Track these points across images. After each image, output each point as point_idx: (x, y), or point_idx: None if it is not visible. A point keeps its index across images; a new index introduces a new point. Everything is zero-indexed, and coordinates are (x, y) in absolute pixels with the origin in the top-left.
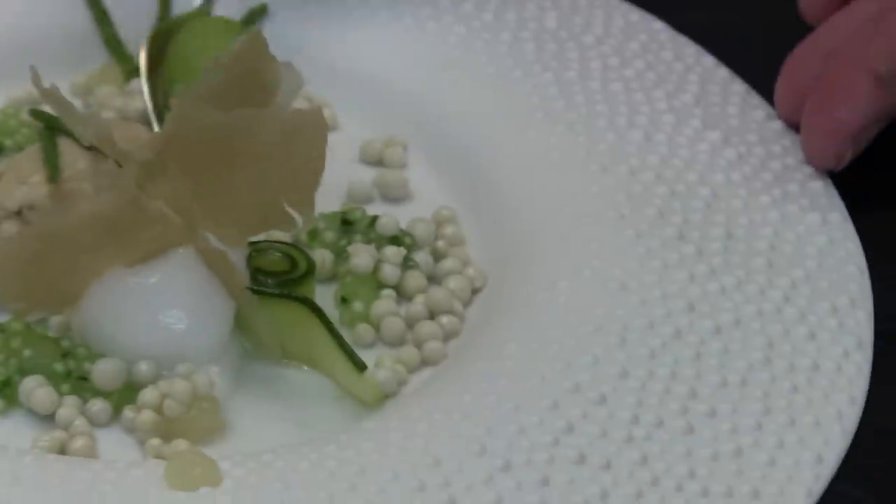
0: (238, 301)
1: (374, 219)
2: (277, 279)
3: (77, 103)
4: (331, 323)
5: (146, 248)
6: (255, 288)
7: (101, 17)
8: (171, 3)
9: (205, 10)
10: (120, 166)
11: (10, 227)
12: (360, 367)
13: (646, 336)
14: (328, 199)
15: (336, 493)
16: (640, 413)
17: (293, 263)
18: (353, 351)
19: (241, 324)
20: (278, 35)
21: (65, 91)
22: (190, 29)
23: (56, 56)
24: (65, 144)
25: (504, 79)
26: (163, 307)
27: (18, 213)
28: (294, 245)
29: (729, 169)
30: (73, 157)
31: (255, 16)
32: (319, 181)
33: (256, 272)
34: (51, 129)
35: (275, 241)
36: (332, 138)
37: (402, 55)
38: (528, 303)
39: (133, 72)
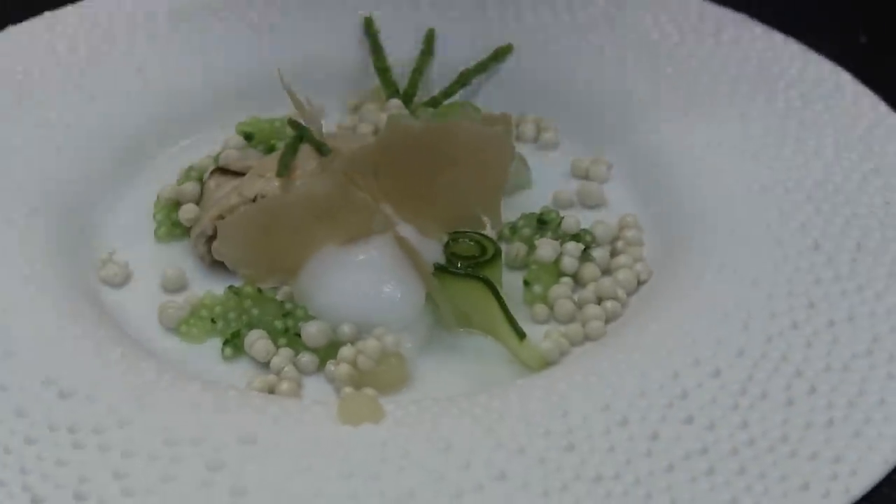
0: (424, 281)
1: (562, 219)
2: (468, 262)
3: (349, 117)
4: (502, 298)
5: (352, 232)
6: (442, 267)
7: (376, 50)
8: (433, 42)
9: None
10: None
11: None
12: (521, 335)
13: (766, 324)
14: (536, 203)
15: (474, 435)
16: (748, 386)
17: (483, 249)
18: (516, 322)
19: (430, 298)
20: (523, 69)
21: (340, 105)
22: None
23: (341, 78)
24: (305, 150)
25: (696, 115)
26: (366, 281)
27: (254, 201)
28: (484, 235)
29: (874, 194)
30: (307, 160)
31: (502, 53)
32: (502, 191)
33: (452, 255)
34: (298, 135)
35: (469, 231)
36: (551, 155)
37: (619, 93)
38: (678, 293)
39: (394, 94)
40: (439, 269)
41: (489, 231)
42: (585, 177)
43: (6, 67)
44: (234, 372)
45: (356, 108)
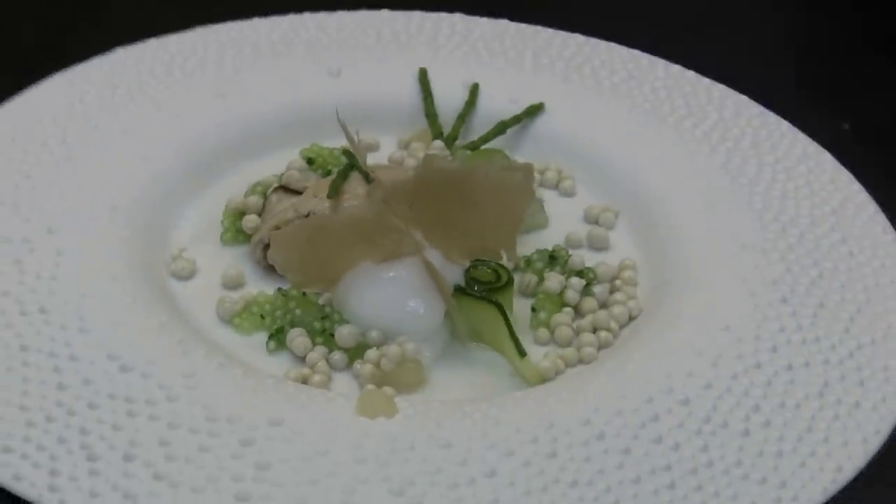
0: (444, 300)
1: (570, 257)
2: (484, 286)
3: (399, 152)
4: (509, 320)
5: (386, 252)
6: (461, 288)
7: (427, 97)
8: (477, 95)
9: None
10: None
11: None
12: (521, 353)
13: (733, 363)
14: (551, 241)
15: (472, 436)
16: (712, 415)
17: (498, 276)
18: (519, 342)
19: (448, 314)
20: (552, 124)
21: (392, 142)
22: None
23: (396, 118)
24: (355, 177)
25: (694, 178)
26: (394, 295)
27: (306, 217)
28: (500, 264)
29: (839, 260)
30: (356, 186)
31: (535, 109)
32: (519, 229)
33: (471, 279)
34: (349, 164)
35: (488, 260)
36: (568, 200)
37: (631, 153)
38: (660, 330)
39: (438, 135)
40: (458, 291)
41: (505, 262)
42: (595, 222)
43: (110, 83)
44: (274, 363)
45: (406, 145)
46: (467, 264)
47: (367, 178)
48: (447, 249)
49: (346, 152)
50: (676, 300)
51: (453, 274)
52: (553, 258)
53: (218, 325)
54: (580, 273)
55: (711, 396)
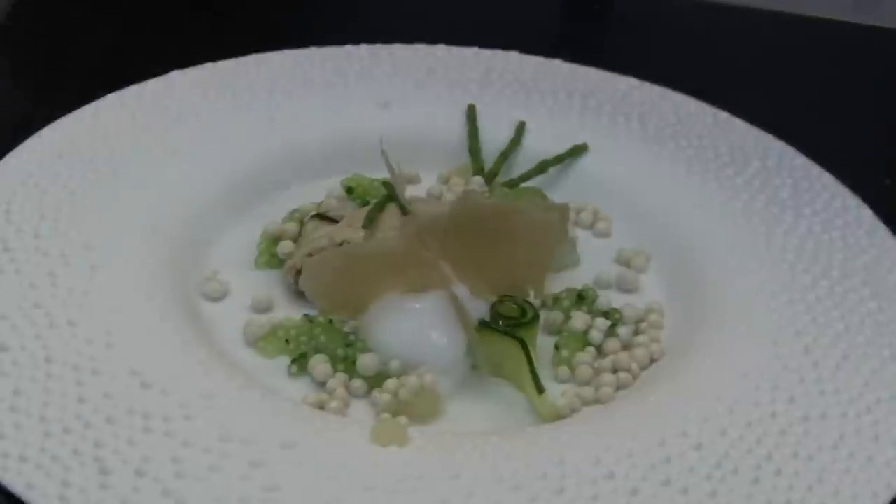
0: (466, 333)
1: (598, 297)
2: (509, 321)
3: (439, 186)
4: (530, 357)
5: (414, 284)
6: (485, 323)
7: (472, 133)
8: (523, 133)
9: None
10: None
11: None
12: (540, 390)
13: (749, 411)
14: (581, 280)
15: (481, 469)
16: (723, 461)
17: (524, 313)
18: (538, 378)
19: (471, 347)
20: (593, 165)
21: (433, 176)
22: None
23: (440, 152)
24: (392, 209)
25: (729, 226)
26: (418, 326)
27: (340, 245)
28: (527, 301)
29: (866, 315)
30: (392, 218)
31: (578, 150)
32: (549, 268)
33: (497, 314)
34: (387, 195)
35: (514, 296)
36: (602, 241)
37: (669, 198)
38: (680, 374)
39: (479, 171)
40: (482, 325)
41: (532, 298)
42: (627, 265)
43: (162, 105)
44: (295, 387)
45: (446, 180)
46: (493, 299)
47: (403, 210)
48: (475, 284)
49: (385, 184)
50: (698, 345)
51: (478, 308)
52: (581, 297)
53: (243, 347)
54: (606, 314)
55: (724, 443)
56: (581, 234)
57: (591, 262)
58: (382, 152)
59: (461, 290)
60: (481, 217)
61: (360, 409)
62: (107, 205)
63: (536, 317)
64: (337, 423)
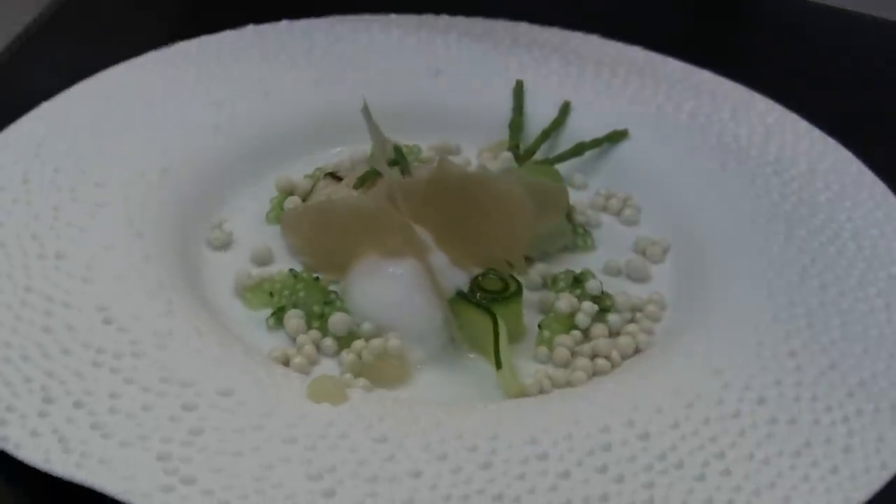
0: (440, 303)
1: (589, 280)
2: (489, 294)
3: (476, 160)
4: (497, 330)
5: (388, 247)
6: (461, 293)
7: (517, 109)
8: (567, 114)
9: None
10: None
11: None
12: (498, 365)
13: (710, 407)
14: (593, 264)
15: (407, 434)
16: (668, 454)
17: (506, 285)
18: (500, 354)
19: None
20: (629, 150)
21: (475, 151)
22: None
23: (485, 125)
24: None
25: (757, 224)
26: (393, 291)
27: None
28: (511, 275)
29: (871, 325)
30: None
31: (617, 136)
32: (524, 246)
33: (478, 287)
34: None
35: (496, 270)
36: (627, 230)
37: (700, 193)
38: (650, 367)
39: (514, 148)
40: (458, 295)
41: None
42: (643, 253)
43: (204, 63)
44: (271, 340)
45: (480, 153)
46: (477, 271)
47: (377, 174)
48: (456, 253)
49: (397, 150)
50: (683, 340)
51: (459, 278)
52: (577, 280)
53: (231, 297)
54: (596, 298)
55: (674, 435)
56: (607, 221)
57: (609, 248)
58: (364, 110)
59: (442, 259)
60: (455, 186)
61: (326, 369)
62: (129, 148)
63: (518, 292)
64: (281, 376)
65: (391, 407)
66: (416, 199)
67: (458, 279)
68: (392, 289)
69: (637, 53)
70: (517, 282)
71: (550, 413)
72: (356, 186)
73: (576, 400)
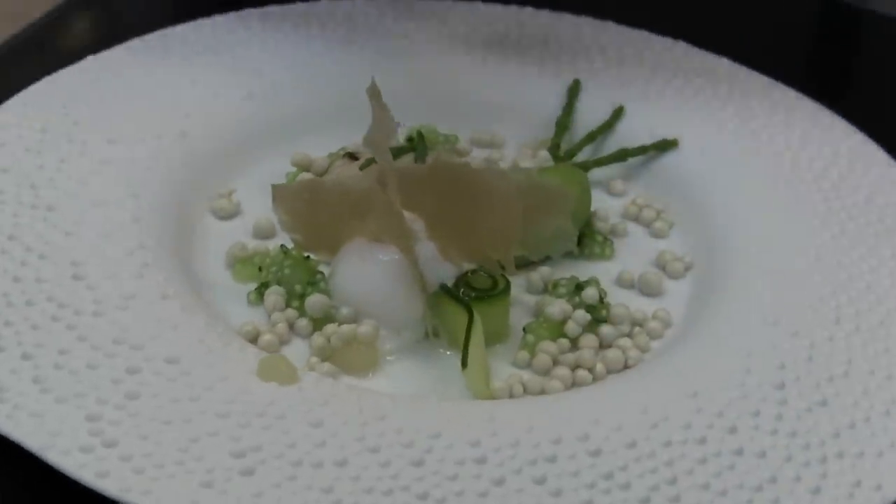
0: (420, 294)
1: (586, 288)
2: (475, 291)
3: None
4: (470, 328)
5: (374, 230)
6: (444, 287)
7: (567, 110)
8: (619, 118)
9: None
10: None
11: None
12: (463, 364)
13: (674, 430)
14: (606, 273)
15: (345, 422)
16: (637, 462)
17: (494, 284)
18: (467, 353)
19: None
20: (673, 160)
21: (519, 147)
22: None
23: (533, 122)
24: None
25: (783, 253)
26: (375, 277)
27: None
28: (502, 274)
29: (879, 367)
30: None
31: (667, 145)
32: (513, 247)
33: (466, 283)
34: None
35: (485, 268)
36: (654, 243)
37: (737, 215)
38: (626, 385)
39: (555, 148)
40: (441, 289)
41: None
42: (663, 268)
43: (248, 34)
44: (250, 314)
45: (521, 149)
46: (468, 267)
47: (372, 160)
48: (447, 246)
49: (418, 133)
50: (667, 357)
51: (448, 272)
52: (579, 288)
53: (223, 268)
54: (591, 308)
55: (627, 455)
56: (636, 231)
57: (630, 258)
58: (370, 89)
59: (430, 250)
60: (452, 178)
61: (296, 349)
62: (155, 109)
63: (504, 292)
64: (237, 351)
65: (340, 394)
66: (412, 186)
67: (446, 272)
68: (374, 275)
69: (719, 64)
70: (507, 281)
71: (503, 418)
72: (363, 167)
73: (536, 407)
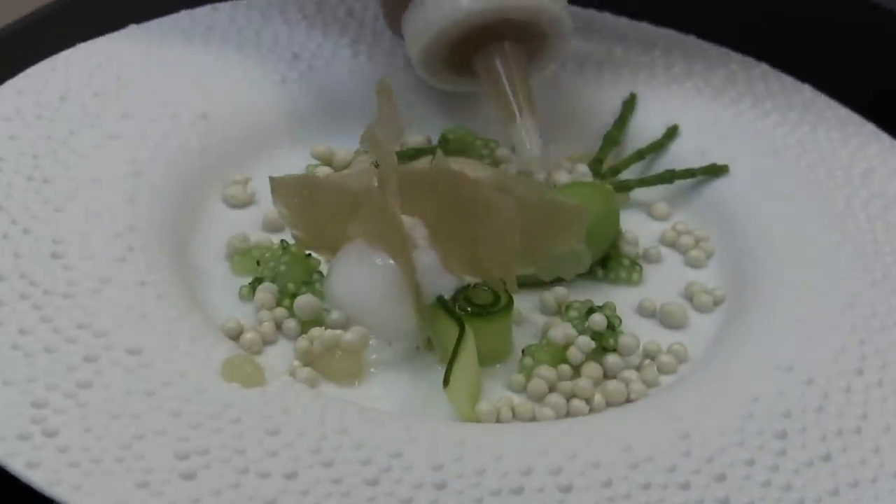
0: (414, 305)
1: (593, 314)
2: (476, 307)
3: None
4: (460, 344)
5: (371, 233)
6: (441, 300)
7: (619, 123)
8: (673, 137)
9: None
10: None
11: None
12: (445, 381)
13: (659, 473)
14: (629, 300)
15: (304, 430)
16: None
17: (496, 300)
18: (450, 371)
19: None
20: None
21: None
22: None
23: (585, 136)
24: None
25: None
26: (370, 283)
27: None
28: (504, 289)
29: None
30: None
31: (717, 171)
32: (513, 264)
33: (464, 297)
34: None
35: (487, 283)
36: (687, 272)
37: (777, 251)
38: (621, 418)
39: (597, 163)
40: (437, 301)
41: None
42: (690, 300)
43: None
44: (239, 310)
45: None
46: (470, 280)
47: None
48: (448, 255)
49: (443, 137)
50: (668, 393)
51: (449, 283)
52: (591, 312)
53: (222, 259)
54: (597, 335)
55: (600, 494)
56: (672, 258)
57: (658, 286)
58: (380, 86)
59: (432, 259)
60: (452, 185)
61: (280, 351)
62: (179, 88)
63: (506, 310)
64: (207, 348)
65: (304, 402)
66: (415, 189)
67: (447, 284)
68: (368, 279)
69: (800, 90)
70: (509, 298)
71: (473, 442)
72: (376, 164)
73: (516, 435)
